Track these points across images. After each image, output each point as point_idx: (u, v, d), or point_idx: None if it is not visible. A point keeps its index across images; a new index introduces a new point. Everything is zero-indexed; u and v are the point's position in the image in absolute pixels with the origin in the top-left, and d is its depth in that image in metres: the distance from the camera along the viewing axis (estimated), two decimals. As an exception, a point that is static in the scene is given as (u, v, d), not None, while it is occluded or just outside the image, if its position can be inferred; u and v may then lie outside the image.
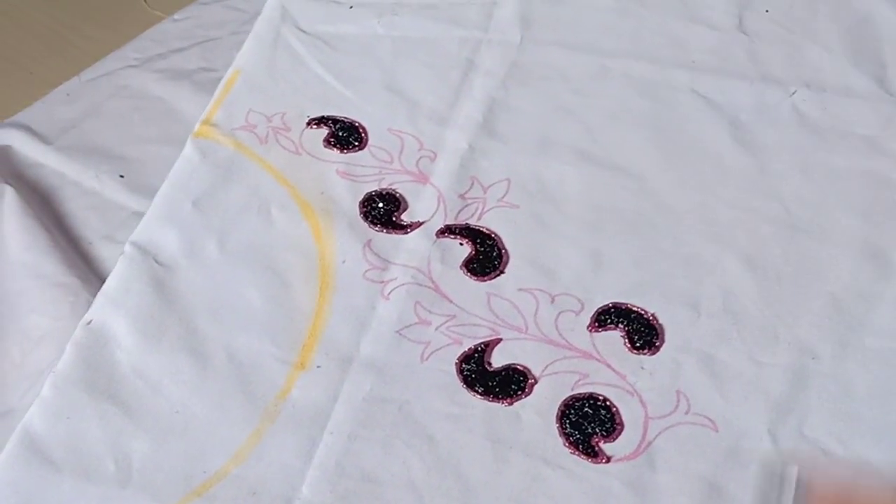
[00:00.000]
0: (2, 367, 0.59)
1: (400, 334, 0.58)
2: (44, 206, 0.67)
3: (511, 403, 0.55)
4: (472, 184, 0.66)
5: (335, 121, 0.70)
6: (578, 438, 0.54)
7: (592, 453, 0.53)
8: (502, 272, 0.61)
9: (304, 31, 0.76)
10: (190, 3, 0.83)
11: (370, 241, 0.63)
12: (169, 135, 0.70)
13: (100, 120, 0.74)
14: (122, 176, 0.69)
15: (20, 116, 0.74)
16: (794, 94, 0.70)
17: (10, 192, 0.66)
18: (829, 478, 0.45)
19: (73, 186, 0.69)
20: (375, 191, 0.66)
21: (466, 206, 0.65)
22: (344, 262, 0.62)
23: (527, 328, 0.59)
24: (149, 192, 0.66)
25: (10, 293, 0.61)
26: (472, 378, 0.56)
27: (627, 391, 0.56)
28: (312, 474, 0.53)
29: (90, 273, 0.63)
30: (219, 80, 0.74)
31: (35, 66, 0.81)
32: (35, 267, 0.62)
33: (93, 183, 0.69)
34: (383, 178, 0.67)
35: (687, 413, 0.55)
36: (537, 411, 0.55)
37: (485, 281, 0.61)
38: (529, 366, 0.57)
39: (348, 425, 0.54)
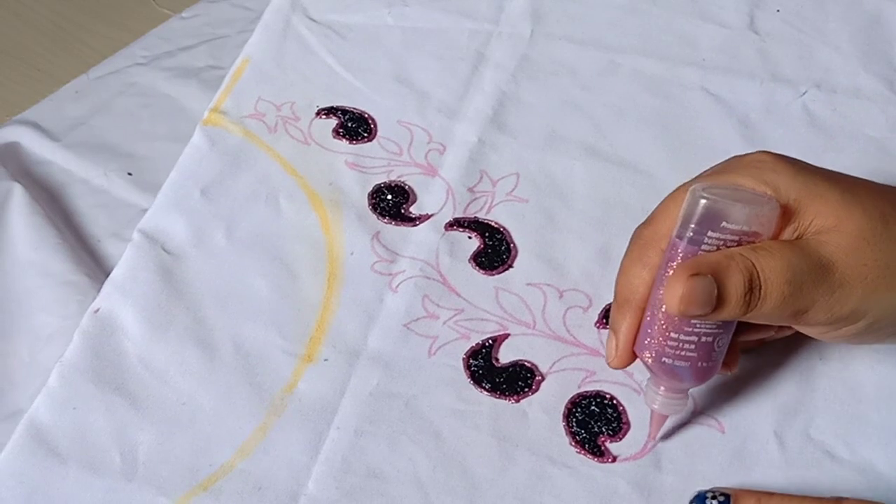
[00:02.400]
0: (11, 366, 0.59)
1: (408, 328, 0.58)
2: (52, 203, 0.67)
3: (518, 401, 0.55)
4: (482, 177, 0.66)
5: (344, 111, 0.70)
6: (585, 437, 0.54)
7: (598, 452, 0.53)
8: (511, 266, 0.61)
9: (313, 20, 0.76)
10: (198, 0, 0.83)
11: (378, 233, 0.63)
12: (177, 132, 0.70)
13: (108, 117, 0.73)
14: (130, 174, 0.68)
15: (28, 114, 0.73)
16: (804, 94, 0.70)
17: (18, 190, 0.65)
18: None
19: (81, 184, 0.69)
20: (384, 182, 0.65)
21: (475, 199, 0.65)
22: (352, 253, 0.61)
23: (535, 324, 0.58)
24: (157, 190, 0.65)
25: (19, 292, 0.61)
26: (479, 374, 0.56)
27: (634, 390, 0.56)
28: (318, 469, 0.52)
29: (98, 271, 0.62)
30: (227, 78, 0.73)
31: (43, 64, 0.80)
32: (43, 265, 0.61)
33: (101, 180, 0.68)
34: (392, 170, 0.66)
35: (693, 413, 0.55)
36: (544, 409, 0.55)
37: (493, 275, 0.61)
38: (537, 362, 0.57)
39: (355, 420, 0.54)
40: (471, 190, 0.65)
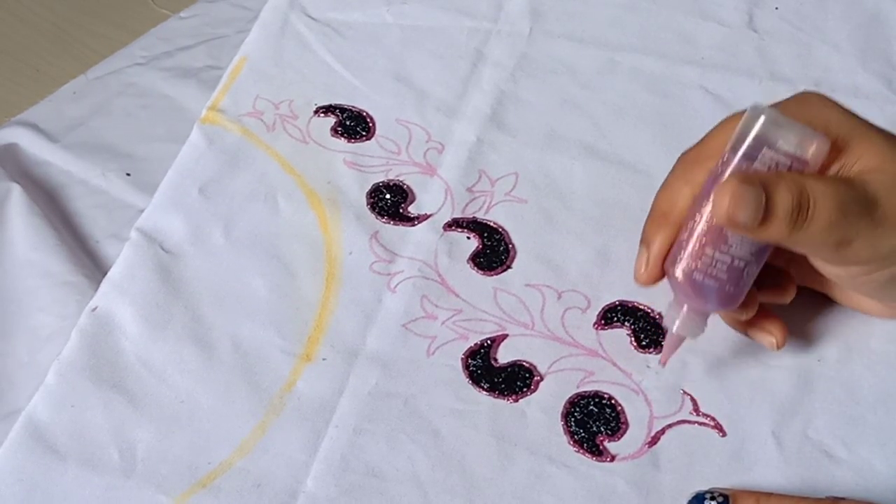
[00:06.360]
0: (10, 366, 0.59)
1: (406, 328, 0.58)
2: (51, 204, 0.67)
3: (517, 400, 0.55)
4: (480, 177, 0.66)
5: (343, 110, 0.70)
6: (583, 437, 0.54)
7: (597, 452, 0.53)
8: (509, 267, 0.61)
9: (312, 18, 0.76)
10: (196, 0, 0.83)
11: (377, 232, 0.63)
12: (176, 133, 0.70)
13: (107, 118, 0.73)
14: (128, 174, 0.69)
15: (27, 114, 0.73)
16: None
17: (17, 191, 0.66)
18: None
19: (79, 185, 0.69)
20: (383, 182, 0.65)
21: (474, 199, 0.64)
22: (351, 253, 0.61)
23: (533, 324, 0.58)
24: (155, 191, 0.65)
25: (18, 292, 0.61)
26: (478, 374, 0.56)
27: (633, 390, 0.56)
28: (317, 468, 0.52)
29: (97, 271, 0.62)
30: (226, 78, 0.73)
31: (42, 64, 0.80)
32: (42, 265, 0.62)
33: (100, 181, 0.69)
34: (390, 169, 0.66)
35: (692, 413, 0.55)
36: (542, 409, 0.55)
37: (492, 276, 0.61)
38: (535, 362, 0.57)
39: (353, 419, 0.54)
40: (469, 190, 0.65)
